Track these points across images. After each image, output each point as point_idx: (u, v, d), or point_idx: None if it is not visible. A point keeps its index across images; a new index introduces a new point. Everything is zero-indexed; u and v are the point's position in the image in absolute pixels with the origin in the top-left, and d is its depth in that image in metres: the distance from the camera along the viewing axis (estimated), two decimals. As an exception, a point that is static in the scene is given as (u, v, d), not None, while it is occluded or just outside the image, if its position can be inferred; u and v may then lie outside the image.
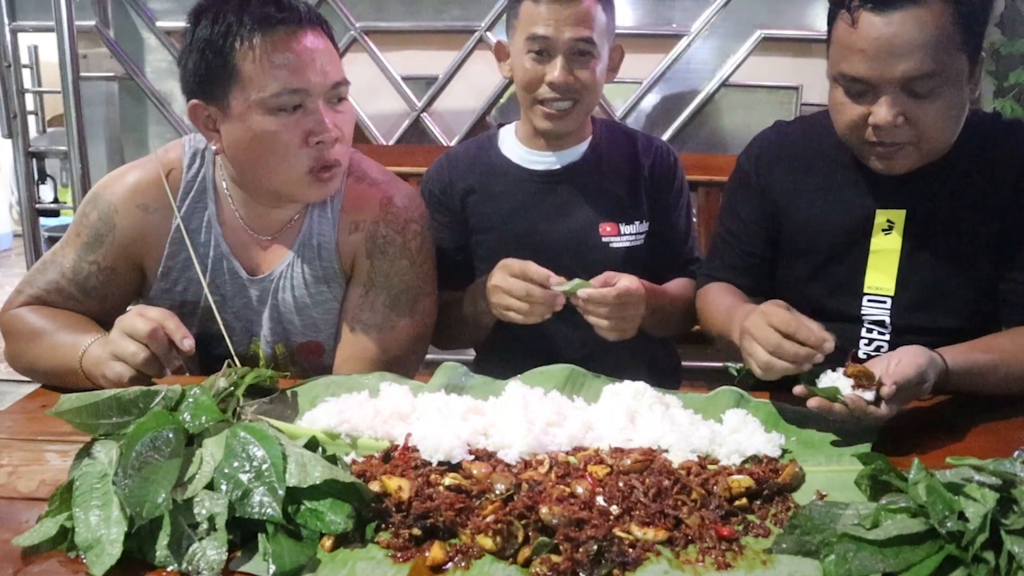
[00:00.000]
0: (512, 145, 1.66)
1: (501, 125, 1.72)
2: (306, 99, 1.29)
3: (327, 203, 1.43)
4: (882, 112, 1.23)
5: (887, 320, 1.39)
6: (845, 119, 1.29)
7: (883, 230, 1.38)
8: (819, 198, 1.43)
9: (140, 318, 1.22)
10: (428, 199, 1.65)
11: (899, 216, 1.37)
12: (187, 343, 1.21)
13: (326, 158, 1.32)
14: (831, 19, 1.28)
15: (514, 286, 1.37)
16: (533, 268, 1.37)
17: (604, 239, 1.60)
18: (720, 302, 1.47)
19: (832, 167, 1.42)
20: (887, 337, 1.40)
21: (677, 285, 1.63)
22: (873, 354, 1.41)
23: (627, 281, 1.37)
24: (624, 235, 1.61)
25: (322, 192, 1.37)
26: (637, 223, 1.62)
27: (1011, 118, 1.41)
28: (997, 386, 1.27)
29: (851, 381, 1.12)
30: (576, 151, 1.63)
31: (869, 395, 1.10)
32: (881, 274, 1.39)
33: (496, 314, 1.43)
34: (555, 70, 1.48)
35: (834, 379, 1.14)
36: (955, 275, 1.36)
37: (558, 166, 1.62)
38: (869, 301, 1.40)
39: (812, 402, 1.12)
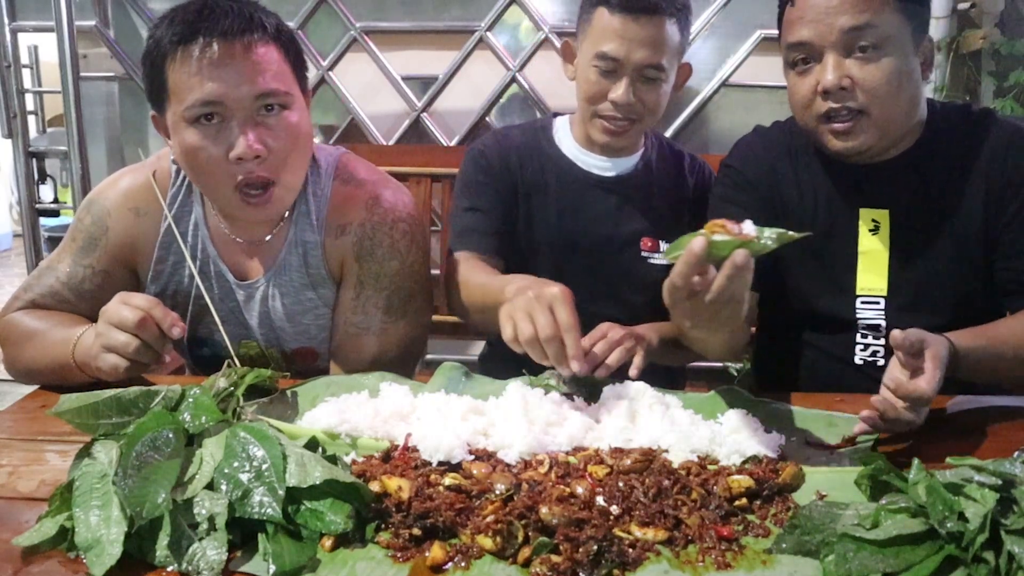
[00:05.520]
0: (568, 142, 1.64)
1: (556, 115, 1.70)
2: (223, 111, 1.24)
3: (312, 208, 1.41)
4: (828, 75, 1.26)
5: (882, 324, 1.39)
6: (798, 99, 1.33)
7: (870, 230, 1.39)
8: (801, 196, 1.44)
9: (126, 307, 1.20)
10: (477, 160, 1.62)
11: (883, 216, 1.38)
12: (176, 331, 1.20)
13: (250, 177, 1.27)
14: (779, 18, 1.35)
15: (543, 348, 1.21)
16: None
17: (643, 253, 1.60)
18: None
19: (811, 165, 1.43)
20: (882, 342, 1.39)
21: None
22: (869, 359, 1.41)
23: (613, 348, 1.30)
24: (663, 252, 1.60)
25: (257, 212, 1.32)
26: None
27: (981, 108, 1.42)
28: (1008, 371, 1.25)
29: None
30: (629, 161, 1.62)
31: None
32: (873, 275, 1.39)
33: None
34: (619, 90, 1.47)
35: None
36: (946, 270, 1.37)
37: (612, 173, 1.61)
38: (863, 303, 1.40)
39: (857, 428, 1.11)
